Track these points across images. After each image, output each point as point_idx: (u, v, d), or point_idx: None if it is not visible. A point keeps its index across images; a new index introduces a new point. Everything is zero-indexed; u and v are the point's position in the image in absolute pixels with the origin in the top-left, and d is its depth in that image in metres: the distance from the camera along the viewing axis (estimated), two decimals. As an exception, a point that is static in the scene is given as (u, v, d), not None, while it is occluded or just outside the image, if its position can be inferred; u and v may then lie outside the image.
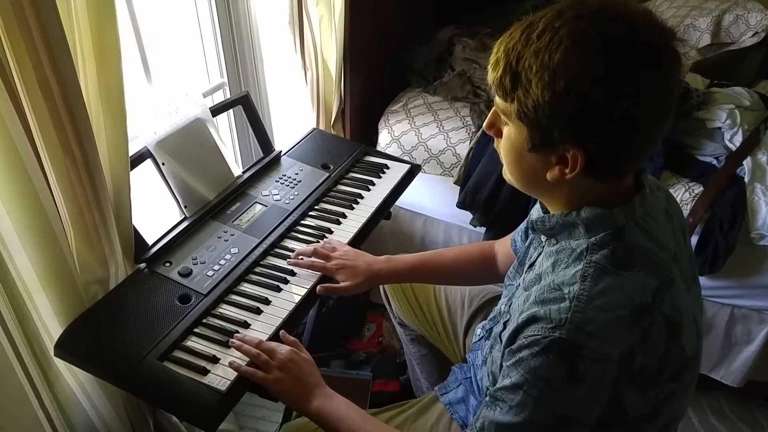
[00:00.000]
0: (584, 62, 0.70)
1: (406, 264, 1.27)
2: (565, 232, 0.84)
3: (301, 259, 1.26)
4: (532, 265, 0.92)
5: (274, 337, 1.11)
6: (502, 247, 1.25)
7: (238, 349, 1.05)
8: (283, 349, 1.05)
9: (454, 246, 1.34)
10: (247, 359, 1.04)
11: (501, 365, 0.83)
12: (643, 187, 0.83)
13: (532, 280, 0.86)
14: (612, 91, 0.71)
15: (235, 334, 1.09)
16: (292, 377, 1.02)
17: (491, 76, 0.79)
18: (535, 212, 0.95)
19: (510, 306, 0.94)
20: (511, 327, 0.82)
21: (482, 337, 1.14)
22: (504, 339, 0.84)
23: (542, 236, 0.90)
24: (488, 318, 1.11)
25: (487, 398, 0.83)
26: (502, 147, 0.84)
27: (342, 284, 1.21)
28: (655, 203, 0.85)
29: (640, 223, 0.80)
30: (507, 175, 0.88)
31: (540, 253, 0.90)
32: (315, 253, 1.25)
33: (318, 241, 1.33)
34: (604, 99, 0.72)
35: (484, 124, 0.86)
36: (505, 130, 0.82)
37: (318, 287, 1.20)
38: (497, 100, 0.80)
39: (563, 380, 0.75)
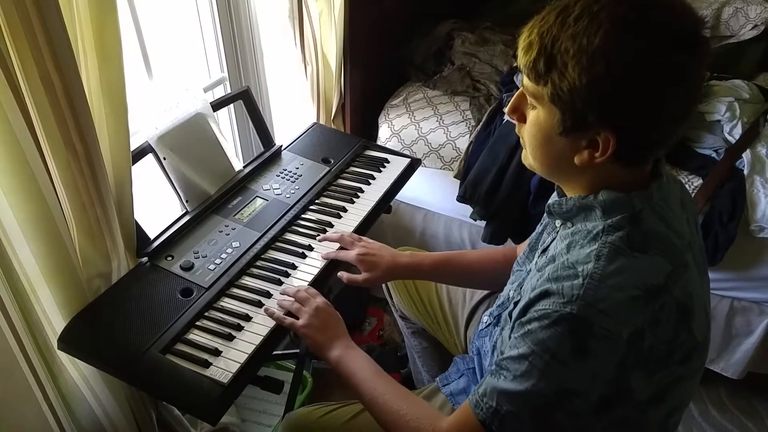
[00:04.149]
0: (623, 47, 0.71)
1: (430, 260, 1.28)
2: (581, 214, 0.84)
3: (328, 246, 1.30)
4: (545, 250, 0.93)
5: (275, 331, 1.11)
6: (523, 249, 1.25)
7: (280, 304, 1.13)
8: (318, 298, 1.13)
9: (478, 249, 1.35)
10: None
11: (510, 338, 0.83)
12: (660, 176, 0.84)
13: (545, 262, 0.86)
14: (649, 76, 0.72)
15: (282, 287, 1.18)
16: (321, 324, 1.09)
17: (523, 59, 0.78)
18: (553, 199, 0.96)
19: (521, 288, 0.94)
20: (522, 303, 0.82)
21: (490, 324, 1.14)
22: (515, 314, 0.84)
23: (557, 221, 0.91)
24: (495, 304, 1.12)
25: (493, 366, 0.84)
26: (527, 131, 0.84)
27: (362, 277, 1.23)
28: (671, 192, 0.86)
29: (656, 210, 0.81)
30: (529, 159, 0.87)
31: (554, 239, 0.91)
32: (341, 240, 1.28)
33: (318, 236, 1.34)
34: (641, 84, 0.72)
35: (507, 109, 0.86)
36: (532, 114, 0.82)
37: (342, 274, 1.25)
38: (527, 83, 0.80)
39: (570, 354, 0.76)
